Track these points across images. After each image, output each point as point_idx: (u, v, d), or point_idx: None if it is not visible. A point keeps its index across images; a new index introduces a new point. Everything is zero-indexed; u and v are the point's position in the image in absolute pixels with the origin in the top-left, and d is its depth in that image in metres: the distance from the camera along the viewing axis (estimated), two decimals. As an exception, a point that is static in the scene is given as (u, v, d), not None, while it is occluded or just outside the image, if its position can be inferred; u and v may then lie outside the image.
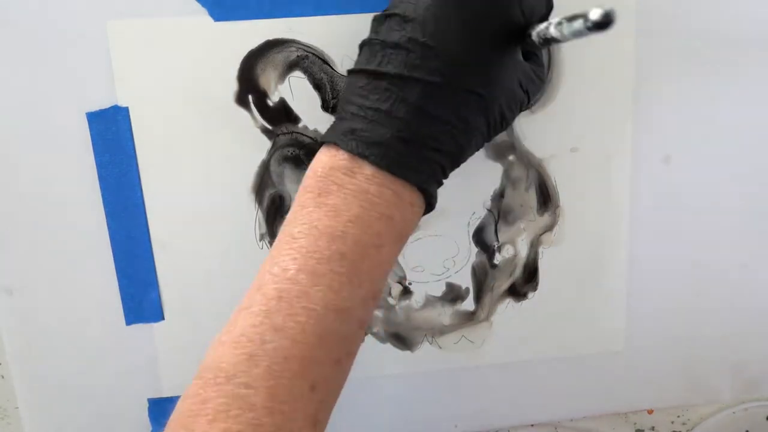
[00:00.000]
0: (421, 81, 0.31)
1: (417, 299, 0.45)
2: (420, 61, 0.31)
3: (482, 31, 0.31)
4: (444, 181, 0.34)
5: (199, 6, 0.38)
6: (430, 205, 0.34)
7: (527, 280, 0.45)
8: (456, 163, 0.34)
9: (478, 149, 0.35)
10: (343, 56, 0.40)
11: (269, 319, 0.30)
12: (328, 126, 0.41)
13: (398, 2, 0.33)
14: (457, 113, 0.32)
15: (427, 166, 0.32)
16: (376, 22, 0.34)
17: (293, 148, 0.41)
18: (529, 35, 0.32)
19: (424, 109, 0.31)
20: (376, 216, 0.31)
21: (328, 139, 0.33)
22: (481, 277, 0.45)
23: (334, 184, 0.31)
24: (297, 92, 0.40)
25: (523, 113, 0.42)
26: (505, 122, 0.35)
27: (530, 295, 0.46)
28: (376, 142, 0.31)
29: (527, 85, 0.35)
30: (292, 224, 0.32)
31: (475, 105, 0.32)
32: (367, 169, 0.31)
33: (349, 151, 0.32)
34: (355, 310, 0.31)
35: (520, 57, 0.34)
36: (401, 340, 0.46)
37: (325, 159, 0.32)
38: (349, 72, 0.34)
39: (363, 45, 0.34)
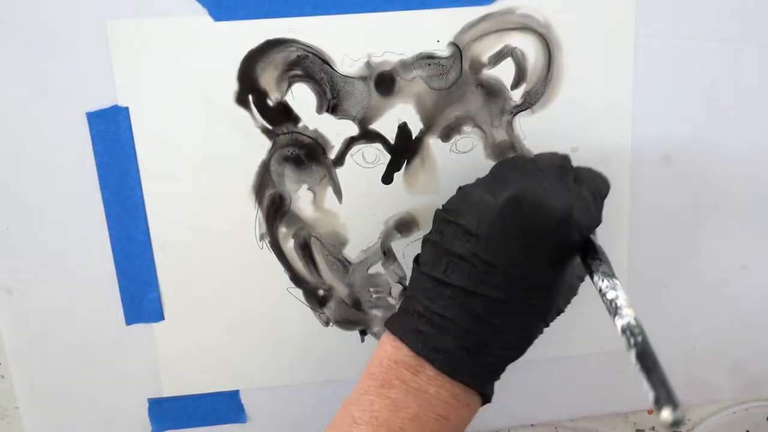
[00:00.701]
0: (485, 296, 0.33)
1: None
2: (483, 276, 0.33)
3: (542, 252, 0.33)
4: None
5: (199, 6, 0.38)
6: (487, 400, 0.36)
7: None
8: (513, 360, 0.36)
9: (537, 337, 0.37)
10: (343, 56, 0.40)
11: None
12: (328, 126, 0.41)
13: (461, 208, 0.34)
14: (518, 324, 0.34)
15: (487, 371, 0.35)
16: (440, 220, 0.35)
17: (293, 148, 0.41)
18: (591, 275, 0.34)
19: (487, 321, 0.33)
20: (433, 416, 0.33)
21: (396, 332, 0.35)
22: (481, 277, 0.45)
23: (397, 379, 0.34)
24: (297, 92, 0.40)
25: (523, 113, 0.42)
26: (561, 313, 0.38)
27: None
28: (440, 348, 0.33)
29: (580, 274, 0.37)
30: (354, 406, 0.34)
31: (535, 315, 0.35)
32: (429, 371, 0.34)
33: (416, 351, 0.34)
34: None
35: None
36: (401, 340, 0.46)
37: (390, 351, 0.35)
38: (415, 266, 0.36)
39: (426, 241, 0.36)
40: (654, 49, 0.42)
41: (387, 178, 0.42)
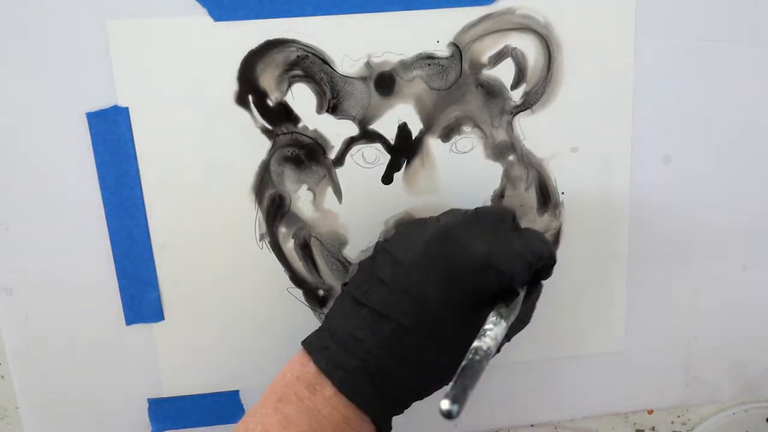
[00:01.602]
0: (395, 321, 0.34)
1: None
2: (398, 302, 0.34)
3: (457, 290, 0.34)
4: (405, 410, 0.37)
5: (199, 6, 0.38)
6: None
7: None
8: (418, 397, 0.36)
9: (447, 383, 0.35)
10: (343, 56, 0.40)
11: None
12: (328, 126, 0.41)
13: (397, 242, 0.36)
14: (423, 357, 0.34)
15: (384, 399, 0.35)
16: (378, 250, 0.37)
17: (293, 148, 0.41)
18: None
19: (392, 347, 0.34)
20: None
21: (306, 347, 0.36)
22: (481, 277, 0.45)
23: (294, 395, 0.34)
24: (297, 92, 0.40)
25: (523, 113, 0.42)
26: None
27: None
28: (341, 366, 0.34)
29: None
30: (251, 417, 0.34)
31: (443, 351, 0.34)
32: (328, 390, 0.34)
33: (319, 367, 0.34)
34: None
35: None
36: (401, 340, 0.46)
37: (296, 367, 0.35)
38: (343, 287, 0.37)
39: (360, 264, 0.37)
40: (654, 49, 0.42)
41: (387, 178, 0.42)
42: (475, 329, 0.33)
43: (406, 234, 0.37)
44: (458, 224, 0.36)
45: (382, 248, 0.37)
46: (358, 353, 0.34)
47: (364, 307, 0.35)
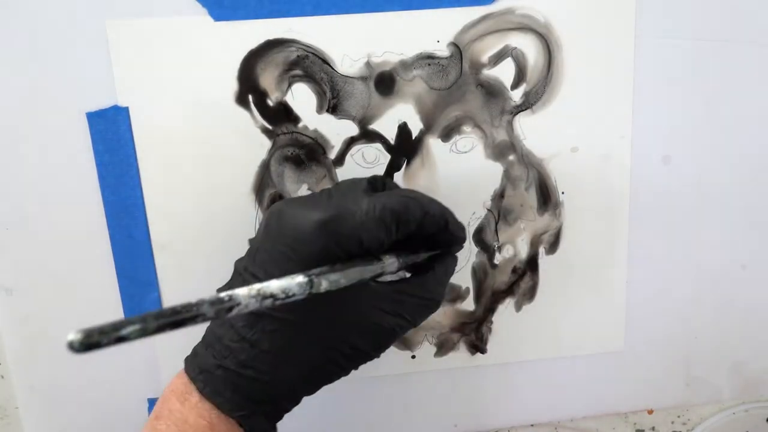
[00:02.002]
0: None
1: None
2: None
3: (299, 264, 0.30)
4: (285, 413, 0.34)
5: (199, 6, 0.38)
6: None
7: (527, 280, 0.45)
8: (291, 395, 0.33)
9: (336, 379, 0.34)
10: (343, 56, 0.40)
11: None
12: (328, 126, 0.41)
13: (259, 227, 0.34)
14: (281, 346, 0.32)
15: (248, 399, 0.32)
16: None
17: (293, 148, 0.41)
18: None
19: (246, 338, 0.31)
20: None
21: (185, 360, 0.34)
22: (481, 277, 0.45)
23: (167, 410, 0.32)
24: (297, 92, 0.40)
25: (523, 113, 0.42)
26: (365, 355, 0.34)
27: (530, 295, 0.46)
28: (203, 368, 0.32)
29: (397, 309, 0.33)
30: None
31: (305, 340, 0.32)
32: (194, 396, 0.32)
33: (186, 372, 0.33)
34: None
35: (372, 285, 0.33)
36: (401, 340, 0.46)
37: (173, 381, 0.33)
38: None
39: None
40: (654, 49, 0.42)
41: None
42: (341, 310, 0.31)
43: (263, 220, 0.35)
44: (299, 198, 0.35)
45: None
46: (217, 351, 0.32)
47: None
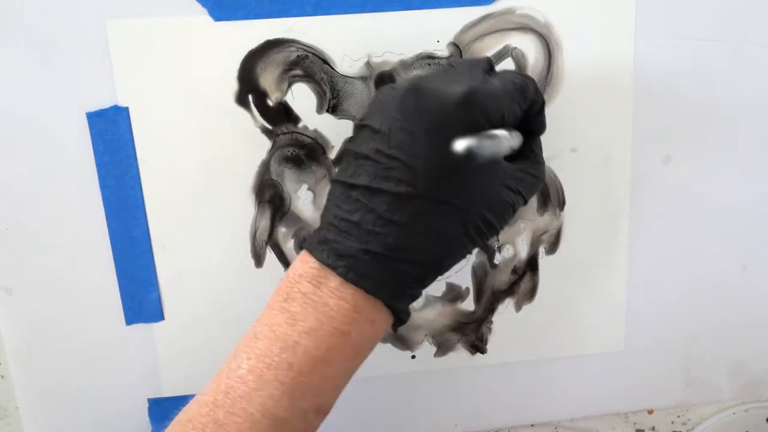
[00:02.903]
0: (389, 192, 0.31)
1: (417, 299, 0.45)
2: (386, 172, 0.31)
3: (444, 140, 0.30)
4: (423, 291, 0.34)
5: (199, 6, 0.38)
6: (400, 320, 0.34)
7: (527, 280, 0.45)
8: (435, 273, 0.34)
9: (465, 257, 0.34)
10: (343, 56, 0.40)
11: (214, 411, 0.31)
12: (328, 126, 0.41)
13: (371, 113, 0.33)
14: (428, 224, 0.32)
15: (396, 280, 0.32)
16: (355, 130, 0.34)
17: (293, 148, 0.41)
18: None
19: (393, 220, 0.31)
20: (330, 331, 0.32)
21: (306, 246, 0.33)
22: (481, 277, 0.45)
23: (299, 292, 0.32)
24: (297, 92, 0.40)
25: (523, 113, 0.42)
26: (492, 229, 0.34)
27: (530, 295, 0.46)
28: (344, 254, 0.32)
29: (518, 186, 0.34)
30: (258, 322, 0.33)
31: (448, 215, 0.32)
32: (332, 281, 0.32)
33: (321, 260, 0.32)
34: (293, 420, 0.31)
35: (501, 162, 0.34)
36: (401, 340, 0.46)
37: (297, 265, 0.33)
38: (331, 180, 0.35)
39: (342, 152, 0.35)
40: (654, 49, 0.42)
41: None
42: (481, 183, 0.32)
43: (377, 102, 0.33)
44: (429, 76, 0.34)
45: (358, 125, 0.33)
46: (358, 236, 0.32)
47: (354, 189, 0.32)
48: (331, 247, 0.32)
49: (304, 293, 0.32)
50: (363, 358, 0.34)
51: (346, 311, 0.32)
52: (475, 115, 0.31)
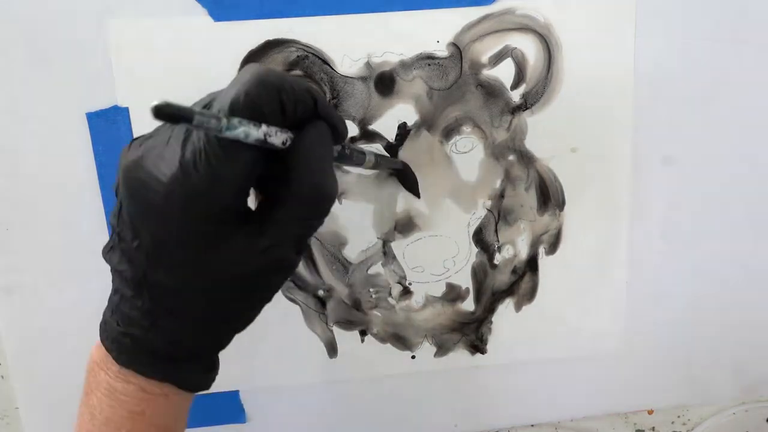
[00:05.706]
0: (129, 270, 0.29)
1: (417, 299, 0.45)
2: (122, 254, 0.29)
3: (171, 220, 0.28)
4: (217, 354, 0.32)
5: (199, 6, 0.38)
6: (196, 388, 0.32)
7: (527, 280, 0.45)
8: (187, 345, 0.31)
9: (230, 317, 0.31)
10: (343, 56, 0.40)
11: None
12: (328, 126, 0.41)
13: (116, 183, 0.30)
14: (166, 295, 0.29)
15: (157, 356, 0.30)
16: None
17: (293, 148, 0.41)
18: None
19: (137, 299, 0.30)
20: (125, 415, 0.30)
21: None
22: (481, 277, 0.45)
23: (95, 382, 0.31)
24: (297, 92, 0.40)
25: (523, 113, 0.42)
26: (247, 310, 0.31)
27: (530, 295, 0.46)
28: (112, 337, 0.30)
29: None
30: (76, 423, 0.32)
31: (185, 279, 0.29)
32: (114, 365, 0.30)
33: (104, 344, 0.31)
34: None
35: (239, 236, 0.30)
36: (401, 340, 0.46)
37: (94, 350, 0.32)
38: None
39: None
40: (654, 49, 0.42)
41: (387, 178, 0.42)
42: (207, 243, 0.28)
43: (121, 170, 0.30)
44: (148, 138, 0.29)
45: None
46: (120, 319, 0.30)
47: (112, 269, 0.30)
48: (105, 329, 0.31)
49: (98, 383, 0.31)
50: (179, 427, 0.32)
51: (133, 393, 0.30)
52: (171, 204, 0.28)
